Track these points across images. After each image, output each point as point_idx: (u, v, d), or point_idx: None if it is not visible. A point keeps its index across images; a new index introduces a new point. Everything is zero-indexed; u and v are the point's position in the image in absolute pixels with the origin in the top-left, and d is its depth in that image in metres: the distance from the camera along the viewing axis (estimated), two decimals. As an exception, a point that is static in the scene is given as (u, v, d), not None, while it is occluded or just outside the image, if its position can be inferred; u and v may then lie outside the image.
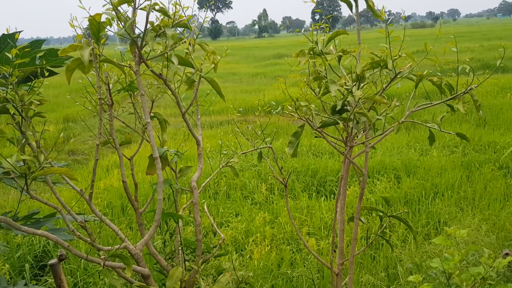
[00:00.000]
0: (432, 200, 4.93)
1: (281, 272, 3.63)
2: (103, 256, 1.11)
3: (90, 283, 3.72)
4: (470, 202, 4.85)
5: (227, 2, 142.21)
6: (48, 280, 3.74)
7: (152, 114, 1.67)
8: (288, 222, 4.54)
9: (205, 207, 1.91)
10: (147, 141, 1.70)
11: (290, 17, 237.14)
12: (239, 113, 1.79)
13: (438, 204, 4.78)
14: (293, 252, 4.05)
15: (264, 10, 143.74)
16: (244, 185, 5.77)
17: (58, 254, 2.49)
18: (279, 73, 19.83)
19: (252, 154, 6.90)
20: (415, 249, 3.84)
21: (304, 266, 3.77)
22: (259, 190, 5.54)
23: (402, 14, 1.41)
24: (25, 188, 1.03)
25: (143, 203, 5.16)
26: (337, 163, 6.25)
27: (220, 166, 1.92)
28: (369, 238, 2.02)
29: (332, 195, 5.40)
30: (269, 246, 4.04)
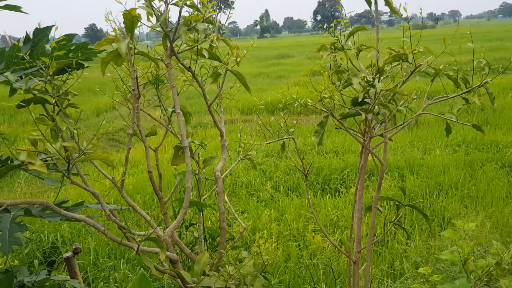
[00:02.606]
0: (436, 198, 4.99)
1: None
2: (139, 239, 1.17)
3: (99, 278, 3.77)
4: (473, 200, 4.90)
5: (229, 2, 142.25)
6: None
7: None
8: (294, 219, 4.59)
9: (226, 197, 1.97)
10: (172, 133, 1.76)
11: (291, 17, 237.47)
12: (263, 105, 1.85)
13: (442, 201, 4.84)
14: (299, 249, 4.10)
15: (266, 11, 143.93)
16: (249, 183, 5.82)
17: (73, 247, 2.54)
18: (281, 73, 19.87)
19: (256, 152, 6.95)
20: (421, 243, 3.90)
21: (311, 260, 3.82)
22: (264, 188, 5.59)
23: (420, 11, 1.47)
24: (67, 173, 1.08)
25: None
26: (341, 161, 6.30)
27: (239, 158, 1.99)
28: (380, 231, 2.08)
29: (336, 193, 5.46)
30: (276, 243, 4.09)
